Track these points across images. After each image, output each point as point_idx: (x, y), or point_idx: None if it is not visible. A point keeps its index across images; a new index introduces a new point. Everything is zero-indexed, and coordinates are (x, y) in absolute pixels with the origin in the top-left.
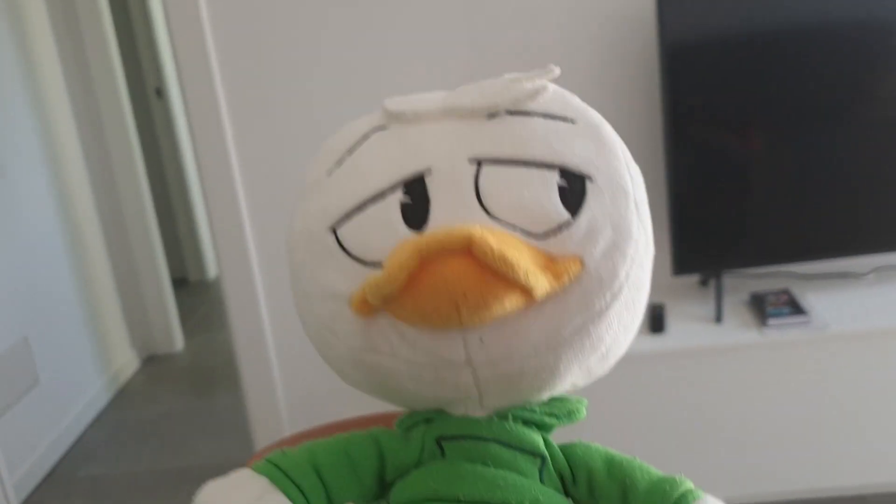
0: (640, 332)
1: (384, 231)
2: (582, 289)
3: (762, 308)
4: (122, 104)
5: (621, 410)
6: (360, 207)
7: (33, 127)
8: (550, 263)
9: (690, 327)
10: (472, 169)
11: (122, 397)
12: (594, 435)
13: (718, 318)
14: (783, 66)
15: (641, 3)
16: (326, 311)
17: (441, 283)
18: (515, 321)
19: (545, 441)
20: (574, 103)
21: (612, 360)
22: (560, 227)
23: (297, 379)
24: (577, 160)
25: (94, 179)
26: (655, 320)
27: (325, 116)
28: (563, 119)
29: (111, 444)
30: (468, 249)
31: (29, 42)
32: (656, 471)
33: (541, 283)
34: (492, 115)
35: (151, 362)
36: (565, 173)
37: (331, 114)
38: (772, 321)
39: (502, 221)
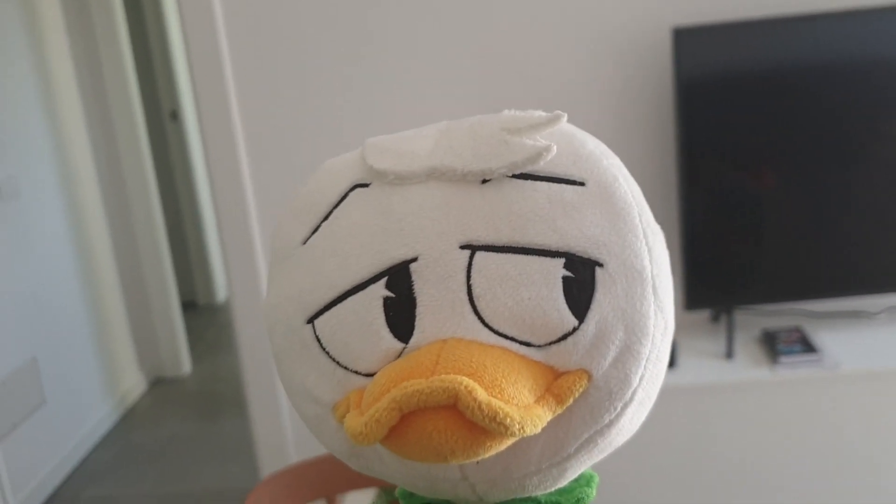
0: None
1: (367, 337)
2: (588, 404)
3: (774, 345)
4: (138, 126)
5: (630, 446)
6: (339, 299)
7: (49, 149)
8: (552, 381)
9: (701, 363)
10: (465, 258)
11: (129, 419)
12: (601, 471)
13: (730, 354)
14: (797, 104)
15: (657, 40)
16: (310, 411)
17: (425, 440)
18: (513, 445)
19: None
20: (586, 152)
21: (625, 441)
22: (565, 336)
23: None
24: (585, 243)
25: (108, 201)
26: None
27: (341, 142)
28: (572, 181)
29: (116, 466)
30: (453, 404)
31: (46, 64)
32: None
33: (540, 423)
34: (486, 179)
35: (159, 385)
36: (572, 260)
37: (348, 140)
38: (783, 359)
39: (498, 333)
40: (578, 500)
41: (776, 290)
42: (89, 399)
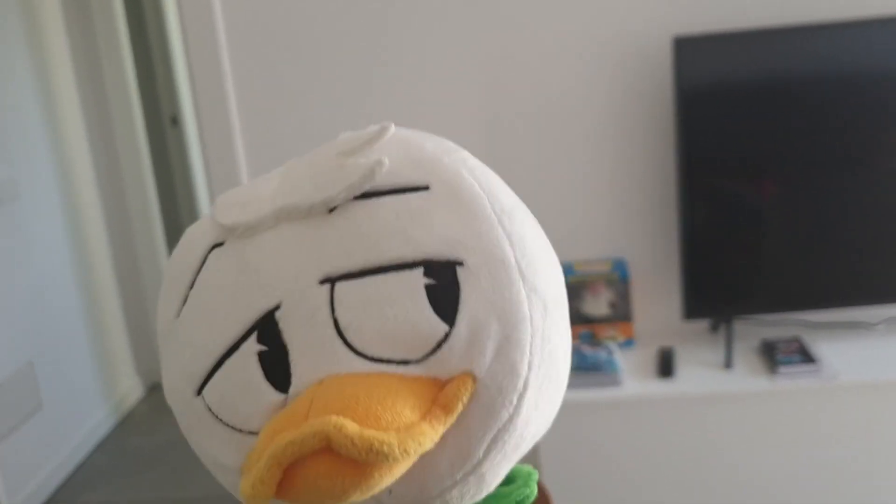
0: (649, 376)
1: (249, 395)
2: (481, 405)
3: (773, 355)
4: (137, 131)
5: (627, 455)
6: (218, 364)
7: (48, 153)
8: (437, 392)
9: (700, 373)
10: (325, 293)
11: (126, 424)
12: (599, 480)
13: (728, 364)
14: (798, 114)
15: (658, 49)
16: (227, 481)
17: (313, 489)
18: (419, 462)
19: None
20: (423, 157)
21: (543, 431)
22: (438, 344)
23: None
24: (440, 246)
25: (106, 206)
26: (664, 364)
27: None
28: (415, 188)
29: (113, 471)
30: (328, 446)
31: (47, 69)
32: None
33: (428, 439)
34: (332, 208)
35: (156, 390)
36: (430, 267)
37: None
38: (782, 369)
39: (372, 359)
40: (519, 502)
41: (775, 301)
42: (86, 404)
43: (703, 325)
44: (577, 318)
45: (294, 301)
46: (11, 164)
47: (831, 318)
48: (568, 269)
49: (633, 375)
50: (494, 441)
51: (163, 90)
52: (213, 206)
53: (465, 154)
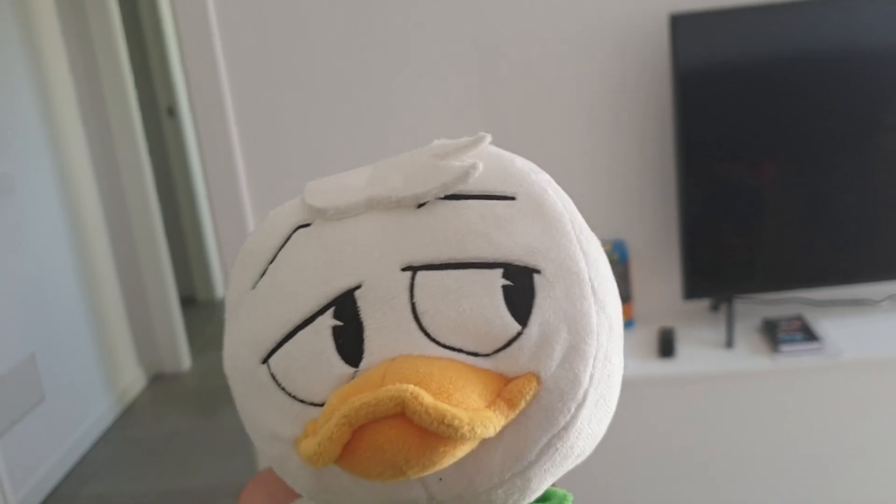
0: (650, 356)
1: (319, 367)
2: (542, 407)
3: (774, 334)
4: (134, 123)
5: (628, 436)
6: (290, 335)
7: (44, 144)
8: (503, 387)
9: (701, 352)
10: (406, 279)
11: (128, 416)
12: (599, 461)
13: (729, 343)
14: (798, 91)
15: (654, 27)
16: (273, 451)
17: (379, 454)
18: (474, 455)
19: None
20: (514, 170)
21: (588, 453)
22: (510, 342)
23: None
24: (520, 252)
25: (104, 197)
26: (665, 345)
27: (336, 138)
28: (502, 196)
29: (116, 462)
30: (402, 412)
31: (41, 60)
32: None
33: (492, 426)
34: (420, 203)
35: (158, 381)
36: (509, 270)
37: (342, 134)
38: (784, 347)
39: (445, 346)
40: None
41: (776, 279)
42: (88, 395)
43: (703, 304)
44: None
45: (375, 282)
46: (7, 158)
47: (834, 296)
48: None
49: (634, 356)
50: (548, 446)
51: (159, 81)
52: (304, 190)
53: (549, 177)
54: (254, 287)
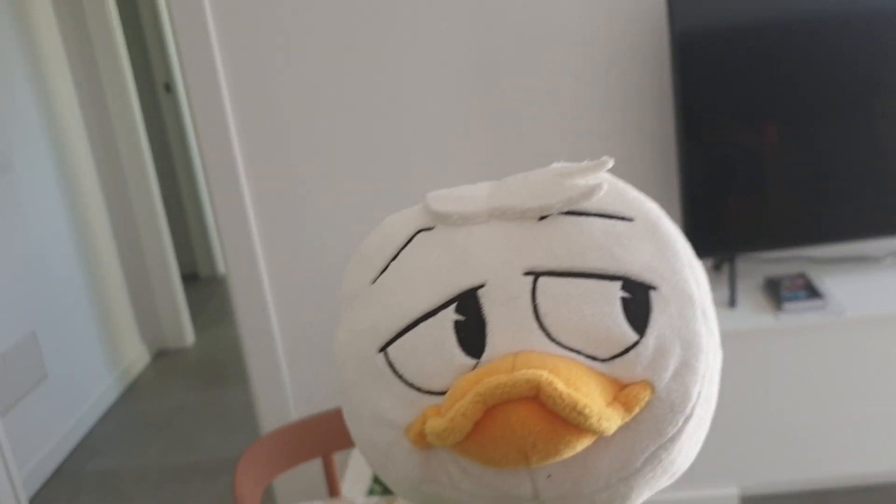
0: None
1: (439, 357)
2: (653, 416)
3: (777, 292)
4: (130, 99)
5: None
6: (411, 325)
7: (40, 122)
8: (619, 392)
9: None
10: (529, 283)
11: (133, 391)
12: None
13: (732, 302)
14: (796, 53)
15: None
16: (381, 438)
17: (509, 433)
18: (584, 455)
19: None
20: (630, 196)
21: (680, 473)
22: (627, 350)
23: (304, 373)
24: (639, 268)
25: (103, 174)
26: None
27: (330, 112)
28: (621, 218)
29: (121, 438)
30: (535, 396)
31: (35, 37)
32: None
33: (613, 423)
34: (543, 216)
35: (162, 357)
36: (628, 283)
37: (335, 108)
38: (787, 305)
39: (565, 346)
40: None
41: (779, 237)
42: (92, 372)
43: (705, 264)
44: None
45: (499, 283)
46: (3, 137)
47: (837, 254)
48: None
49: None
50: (653, 456)
51: (155, 57)
52: (426, 198)
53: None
54: (374, 281)
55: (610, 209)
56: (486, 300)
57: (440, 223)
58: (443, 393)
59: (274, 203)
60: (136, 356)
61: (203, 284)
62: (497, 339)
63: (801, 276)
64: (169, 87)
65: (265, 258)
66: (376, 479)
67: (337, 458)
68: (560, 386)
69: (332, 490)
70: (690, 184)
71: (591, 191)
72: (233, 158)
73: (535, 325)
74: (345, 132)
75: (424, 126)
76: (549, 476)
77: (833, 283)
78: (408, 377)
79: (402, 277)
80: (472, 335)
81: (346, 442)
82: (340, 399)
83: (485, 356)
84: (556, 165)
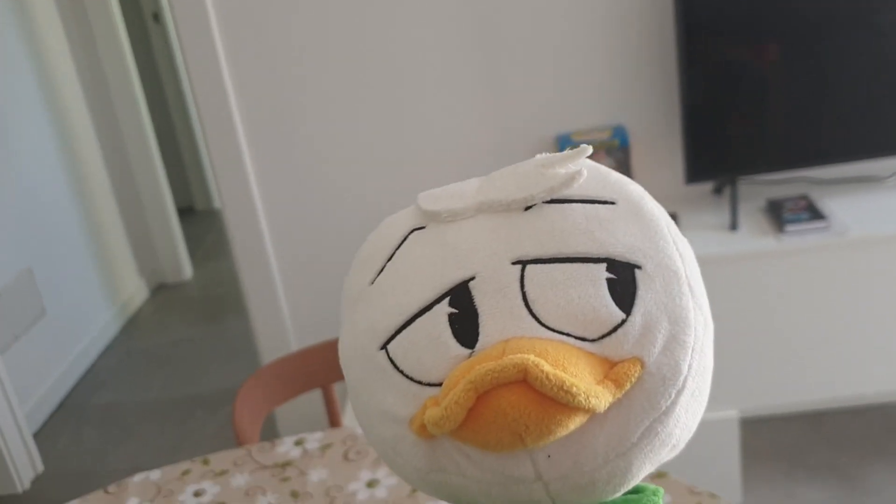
0: None
1: (436, 350)
2: (645, 391)
3: (779, 214)
4: (118, 29)
5: None
6: (408, 322)
7: (26, 59)
8: (609, 370)
9: (704, 235)
10: (517, 272)
11: (132, 326)
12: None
13: (734, 225)
14: None
15: None
16: (388, 432)
17: (501, 418)
18: (580, 434)
19: None
20: (612, 180)
21: (682, 445)
22: (615, 328)
23: (302, 303)
24: (622, 248)
25: (93, 108)
26: None
27: (321, 39)
28: (603, 202)
29: (122, 372)
30: (524, 379)
31: None
32: None
33: (603, 400)
34: (528, 206)
35: (161, 291)
36: (612, 265)
37: (325, 33)
38: (789, 227)
39: (554, 330)
40: None
41: (781, 158)
42: (90, 308)
43: (705, 188)
44: None
45: (488, 274)
46: None
47: (839, 174)
48: (566, 141)
49: None
50: (649, 430)
51: None
52: (417, 199)
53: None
54: (372, 283)
55: (592, 194)
56: (478, 292)
57: (431, 221)
58: (440, 384)
59: (268, 134)
60: (135, 291)
61: (200, 218)
62: (489, 328)
63: (804, 197)
64: (157, 17)
65: (260, 190)
66: None
67: (337, 388)
68: (546, 367)
69: (333, 421)
70: (691, 106)
71: (571, 178)
72: (224, 89)
73: (524, 311)
74: (340, 59)
75: (422, 60)
76: (548, 456)
77: (836, 205)
78: (408, 371)
79: (398, 276)
80: (465, 326)
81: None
82: (350, 400)
83: (478, 345)
84: (539, 157)
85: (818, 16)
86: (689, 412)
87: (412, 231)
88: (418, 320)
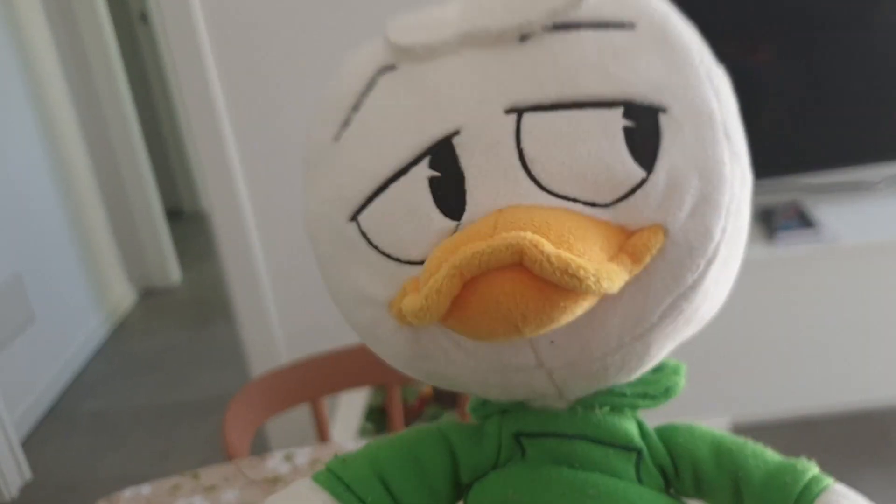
0: None
1: (415, 221)
2: (668, 263)
3: (770, 222)
4: (104, 29)
5: None
6: (382, 188)
7: (13, 57)
8: (625, 241)
9: None
10: (511, 122)
11: (121, 331)
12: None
13: None
14: None
15: None
16: (365, 317)
17: (493, 308)
18: (589, 316)
19: (640, 429)
20: None
21: (709, 318)
22: (633, 190)
23: (291, 308)
24: (644, 88)
25: (80, 109)
26: None
27: (311, 34)
28: (620, 25)
29: (112, 378)
30: (520, 262)
31: None
32: (772, 455)
33: (617, 280)
34: (524, 36)
35: (149, 295)
36: (631, 109)
37: (313, 34)
38: (780, 235)
39: (558, 195)
40: (667, 389)
41: (771, 165)
42: (79, 313)
43: None
44: None
45: (476, 128)
46: None
47: (830, 181)
48: None
49: None
50: (672, 307)
51: None
52: (385, 28)
53: (670, 3)
54: (336, 139)
55: (607, 15)
56: (463, 150)
57: (403, 59)
58: (423, 262)
59: (256, 136)
60: (123, 295)
61: (188, 220)
62: (478, 194)
63: (794, 204)
64: (145, 18)
65: (249, 193)
66: (367, 419)
67: (327, 400)
68: (547, 248)
69: (322, 435)
70: None
71: None
72: (211, 91)
73: (521, 174)
74: (329, 60)
75: None
76: (551, 342)
77: (826, 212)
78: (384, 247)
79: (367, 132)
80: (449, 193)
81: (334, 386)
82: (320, 275)
83: (466, 216)
84: None
85: (810, 23)
86: (719, 284)
87: (380, 71)
88: (393, 186)
